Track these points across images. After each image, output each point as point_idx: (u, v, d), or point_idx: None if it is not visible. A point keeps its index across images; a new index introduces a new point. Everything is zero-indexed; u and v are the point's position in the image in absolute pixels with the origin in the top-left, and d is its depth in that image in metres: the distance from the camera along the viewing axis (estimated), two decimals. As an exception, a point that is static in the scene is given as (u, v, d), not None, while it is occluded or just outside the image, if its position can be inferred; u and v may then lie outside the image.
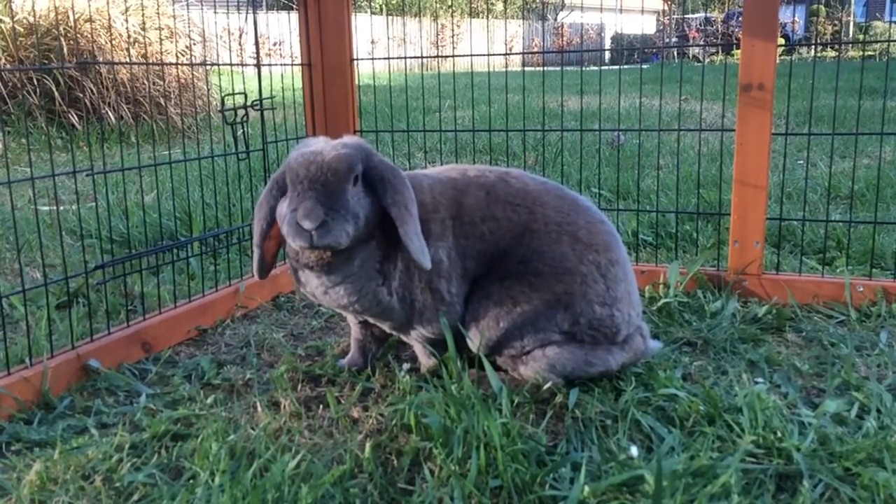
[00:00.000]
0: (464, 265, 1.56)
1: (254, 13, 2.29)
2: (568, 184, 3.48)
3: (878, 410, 1.46)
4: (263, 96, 2.24)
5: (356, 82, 2.46)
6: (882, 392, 1.51)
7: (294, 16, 2.49)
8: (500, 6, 21.71)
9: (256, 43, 2.25)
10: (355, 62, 2.45)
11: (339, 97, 2.44)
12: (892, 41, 7.50)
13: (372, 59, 2.50)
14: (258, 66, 2.26)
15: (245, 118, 2.20)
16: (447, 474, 1.25)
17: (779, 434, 1.35)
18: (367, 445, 1.34)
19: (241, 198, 2.48)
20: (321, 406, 1.57)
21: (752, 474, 1.26)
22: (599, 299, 1.54)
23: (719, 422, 1.42)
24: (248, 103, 2.21)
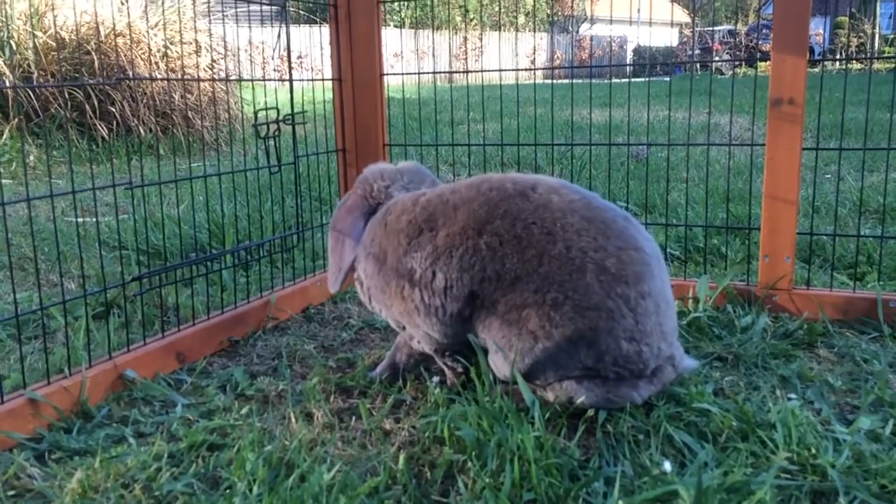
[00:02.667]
0: (445, 276, 1.51)
1: (287, 29, 2.33)
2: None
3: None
4: (295, 110, 2.28)
5: (385, 96, 2.49)
6: (918, 409, 1.50)
7: (318, 29, 2.53)
8: (521, 19, 21.79)
9: (289, 58, 2.28)
10: (385, 77, 2.48)
11: (368, 111, 2.47)
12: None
13: (402, 73, 2.53)
14: (290, 80, 2.30)
15: (277, 132, 2.24)
16: (481, 487, 1.26)
17: (813, 450, 1.34)
18: (401, 457, 1.35)
19: (272, 210, 2.52)
20: (354, 418, 1.58)
21: (787, 490, 1.26)
22: (627, 335, 1.43)
23: (752, 437, 1.42)
24: (280, 118, 2.25)
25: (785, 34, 2.01)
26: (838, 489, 1.24)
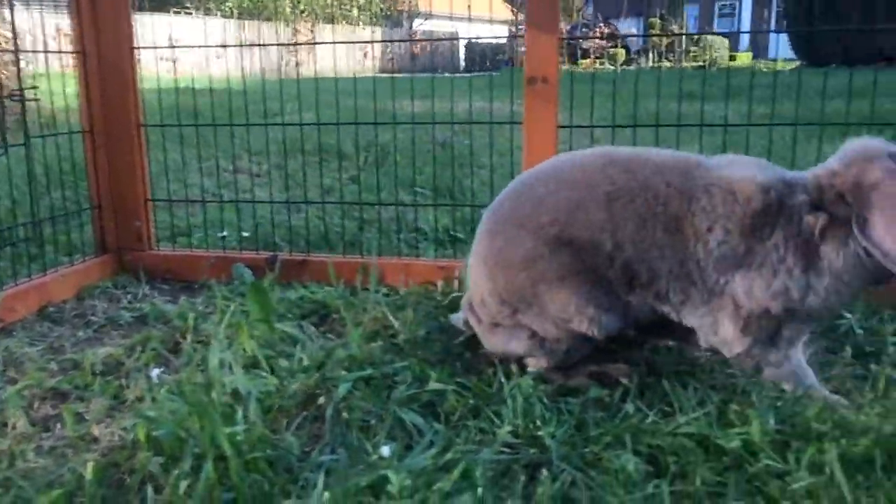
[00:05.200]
0: None
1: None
2: (395, 183, 3.44)
3: (639, 395, 1.47)
4: (25, 86, 2.03)
5: (137, 73, 2.28)
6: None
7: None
8: (355, 12, 21.62)
9: (13, 26, 2.03)
10: (136, 50, 2.27)
11: (118, 88, 2.25)
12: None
13: (155, 47, 2.33)
14: (16, 51, 2.04)
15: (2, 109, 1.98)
16: (171, 492, 1.13)
17: (538, 422, 1.33)
18: (90, 466, 1.19)
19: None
20: (59, 425, 1.40)
21: (504, 464, 1.23)
22: None
23: (483, 414, 1.38)
24: (6, 93, 1.99)
25: (537, 16, 2.02)
26: (552, 459, 1.23)
